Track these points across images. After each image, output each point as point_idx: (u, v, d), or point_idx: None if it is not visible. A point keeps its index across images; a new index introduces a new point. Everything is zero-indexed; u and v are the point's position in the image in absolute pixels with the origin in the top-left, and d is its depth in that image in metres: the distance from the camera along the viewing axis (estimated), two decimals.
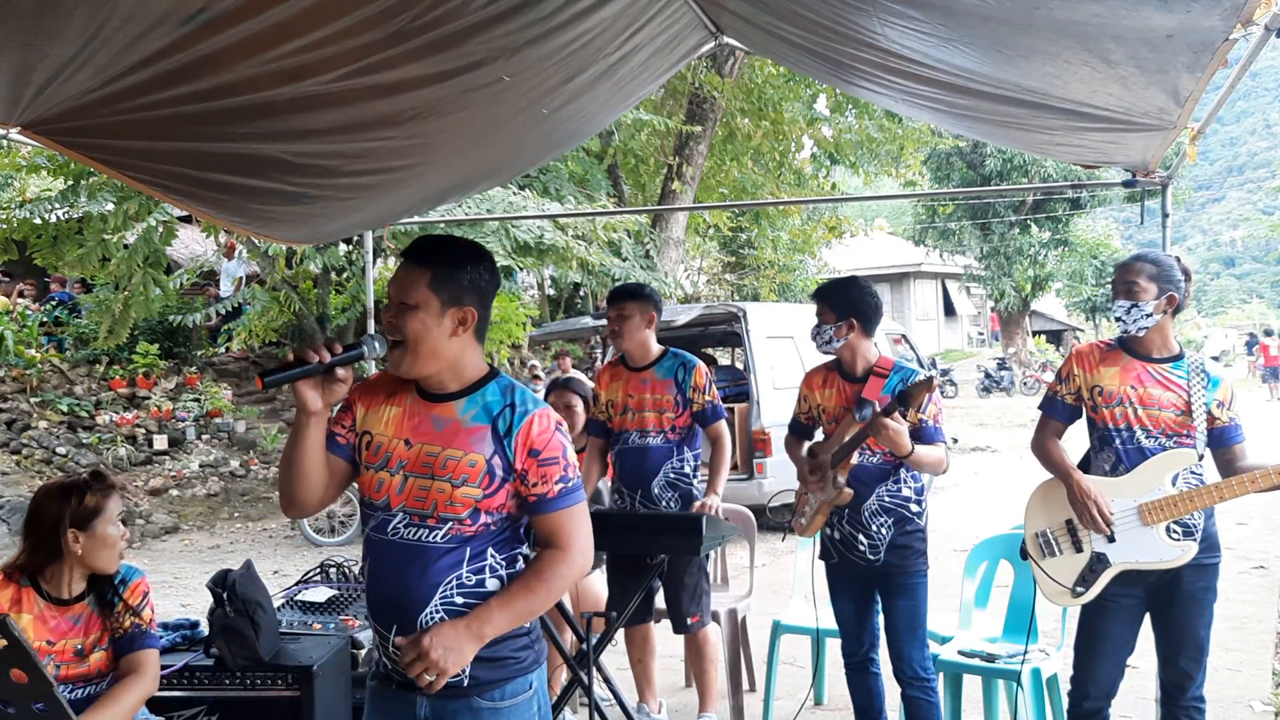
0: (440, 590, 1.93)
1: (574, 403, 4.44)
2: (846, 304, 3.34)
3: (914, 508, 3.33)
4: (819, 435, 3.53)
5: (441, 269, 1.94)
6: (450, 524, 1.94)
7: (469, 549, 1.95)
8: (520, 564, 2.04)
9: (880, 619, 3.42)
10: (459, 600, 1.94)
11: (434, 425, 1.98)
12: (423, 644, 1.85)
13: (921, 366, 11.19)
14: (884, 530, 3.29)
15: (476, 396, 1.99)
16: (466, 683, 1.96)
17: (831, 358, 3.49)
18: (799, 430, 3.60)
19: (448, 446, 1.96)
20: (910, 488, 3.33)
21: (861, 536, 3.31)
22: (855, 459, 3.28)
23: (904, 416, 3.16)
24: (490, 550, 1.97)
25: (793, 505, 3.55)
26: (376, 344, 1.97)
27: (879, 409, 3.14)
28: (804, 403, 3.55)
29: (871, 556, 3.31)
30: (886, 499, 3.30)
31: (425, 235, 2.01)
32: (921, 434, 3.23)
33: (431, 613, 1.93)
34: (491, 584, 1.97)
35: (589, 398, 4.39)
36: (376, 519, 2.00)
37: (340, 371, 1.93)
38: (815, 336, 3.38)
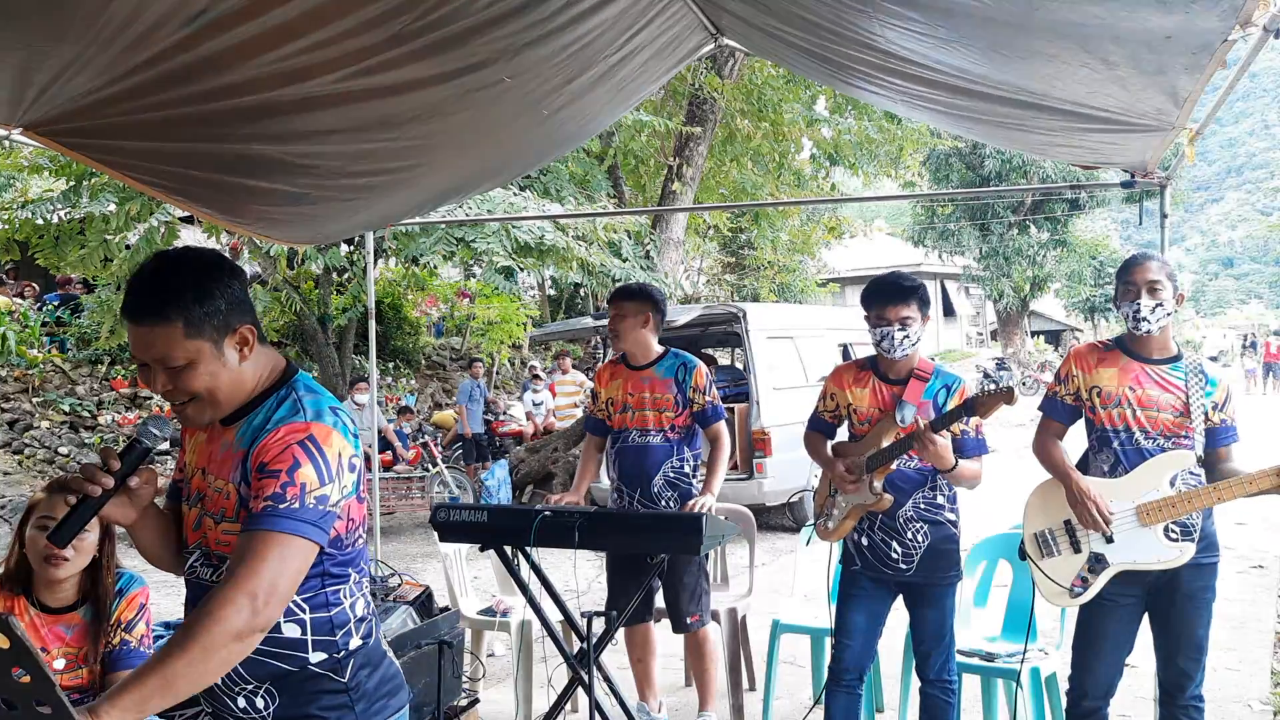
0: None
1: None
2: (927, 301, 3.20)
3: (949, 515, 3.22)
4: (842, 434, 3.39)
5: (189, 313, 1.64)
6: (227, 563, 1.68)
7: None
8: (329, 609, 1.76)
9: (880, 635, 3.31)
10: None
11: (219, 450, 1.76)
12: None
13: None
14: (920, 537, 3.17)
15: (254, 415, 1.74)
16: None
17: (863, 356, 3.38)
18: (821, 428, 3.43)
19: (218, 476, 1.74)
20: (944, 495, 3.22)
21: (895, 544, 3.18)
22: (894, 465, 3.15)
23: (946, 429, 3.02)
24: None
25: (801, 506, 3.49)
26: (154, 429, 1.75)
27: (927, 422, 2.98)
28: (830, 400, 3.38)
29: (904, 566, 3.18)
30: (922, 506, 3.18)
31: (134, 287, 1.67)
32: (963, 446, 3.11)
33: None
34: (290, 629, 1.71)
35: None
36: (185, 559, 1.83)
37: (134, 480, 1.72)
38: (901, 342, 3.13)
